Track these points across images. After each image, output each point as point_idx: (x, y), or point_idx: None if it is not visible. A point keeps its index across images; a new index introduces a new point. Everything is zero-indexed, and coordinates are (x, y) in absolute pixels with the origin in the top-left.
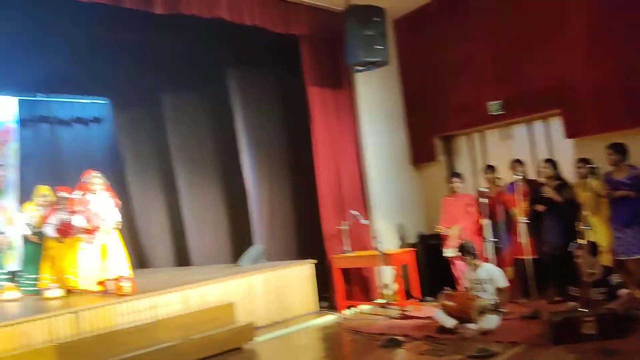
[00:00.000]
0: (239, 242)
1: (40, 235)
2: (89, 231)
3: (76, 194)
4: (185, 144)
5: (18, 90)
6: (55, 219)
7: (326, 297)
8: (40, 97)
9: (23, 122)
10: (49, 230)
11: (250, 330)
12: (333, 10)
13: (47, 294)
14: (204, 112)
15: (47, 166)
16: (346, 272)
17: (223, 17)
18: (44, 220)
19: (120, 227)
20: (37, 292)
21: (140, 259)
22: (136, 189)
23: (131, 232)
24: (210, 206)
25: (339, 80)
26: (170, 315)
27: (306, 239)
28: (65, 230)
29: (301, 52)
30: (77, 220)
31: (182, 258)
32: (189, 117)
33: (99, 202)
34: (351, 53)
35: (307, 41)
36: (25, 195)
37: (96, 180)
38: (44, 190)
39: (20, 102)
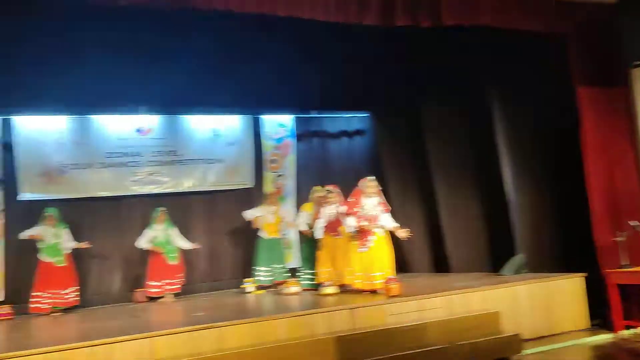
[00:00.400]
0: (499, 251)
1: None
2: (362, 234)
3: (351, 198)
4: (443, 153)
5: (294, 109)
6: (324, 214)
7: (599, 314)
8: (312, 114)
9: (298, 136)
10: (320, 225)
11: (517, 342)
12: (604, 2)
13: (324, 290)
14: (463, 121)
15: (318, 176)
16: (623, 288)
17: (487, 24)
18: (316, 217)
19: (397, 229)
20: (315, 287)
21: (399, 263)
22: (396, 197)
23: (391, 237)
24: (469, 215)
25: (612, 79)
26: (435, 319)
27: (573, 251)
28: (334, 226)
29: (568, 51)
30: (350, 221)
31: (440, 264)
32: (447, 127)
33: (371, 206)
34: (628, 47)
35: (575, 39)
36: (300, 202)
37: (371, 184)
38: (318, 190)
39: (296, 119)
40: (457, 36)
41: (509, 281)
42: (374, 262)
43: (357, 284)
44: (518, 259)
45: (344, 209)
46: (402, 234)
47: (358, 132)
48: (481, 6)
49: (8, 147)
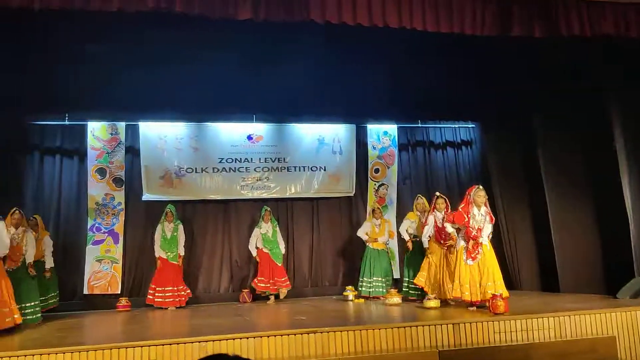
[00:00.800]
0: (615, 272)
1: (418, 242)
2: (472, 244)
3: (461, 206)
4: (556, 166)
5: (399, 118)
6: (431, 222)
7: None
8: (417, 124)
9: (402, 146)
10: (426, 234)
11: None
12: None
13: (427, 302)
14: (577, 133)
15: (420, 186)
16: None
17: (608, 33)
18: (422, 227)
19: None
20: (418, 298)
21: (504, 279)
22: (504, 209)
23: (498, 252)
24: (583, 231)
25: None
26: (544, 340)
27: None
28: (439, 234)
29: None
30: (457, 230)
31: (549, 283)
32: (561, 139)
33: (480, 216)
34: None
35: None
36: (402, 212)
37: (480, 193)
38: (422, 199)
39: (399, 129)
40: (572, 46)
41: (626, 305)
42: (484, 274)
43: (466, 296)
44: (637, 282)
45: (452, 217)
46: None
47: (465, 143)
48: (606, 17)
49: (133, 151)
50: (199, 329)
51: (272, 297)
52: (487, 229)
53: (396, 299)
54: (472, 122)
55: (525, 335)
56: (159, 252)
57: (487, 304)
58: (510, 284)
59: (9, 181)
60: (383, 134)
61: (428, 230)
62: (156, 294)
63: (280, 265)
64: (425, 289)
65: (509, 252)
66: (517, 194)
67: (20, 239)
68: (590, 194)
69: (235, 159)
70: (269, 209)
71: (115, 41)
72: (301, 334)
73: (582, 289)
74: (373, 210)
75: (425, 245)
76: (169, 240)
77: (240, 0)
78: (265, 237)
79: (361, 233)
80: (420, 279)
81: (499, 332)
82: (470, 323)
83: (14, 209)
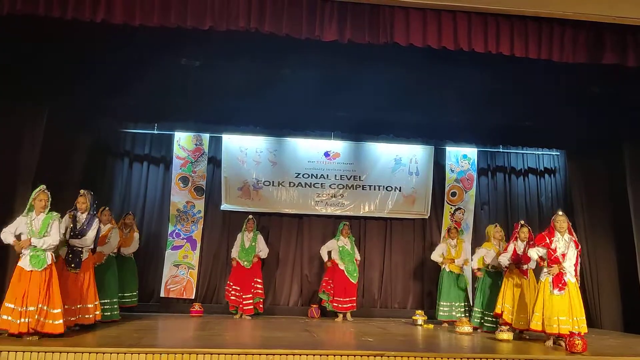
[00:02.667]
0: None
1: (493, 272)
2: (557, 275)
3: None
4: None
5: (479, 142)
6: (510, 250)
7: None
8: (498, 149)
9: (481, 170)
10: (505, 262)
11: None
12: None
13: (500, 334)
14: None
15: (499, 213)
16: None
17: None
18: (497, 254)
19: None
20: (490, 329)
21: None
22: (587, 241)
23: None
24: None
25: None
26: None
27: None
28: (519, 260)
29: None
30: (535, 255)
31: (632, 323)
32: None
33: (562, 242)
34: None
35: None
36: (478, 238)
37: (559, 219)
38: (496, 229)
39: (479, 153)
40: None
41: None
42: (570, 307)
43: (553, 328)
44: None
45: (534, 241)
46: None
47: (548, 171)
48: None
49: (215, 162)
50: (267, 341)
51: (341, 315)
52: (572, 254)
53: (467, 327)
54: (556, 149)
55: None
56: (235, 256)
57: (565, 342)
58: (590, 321)
59: (103, 182)
60: (462, 157)
61: (506, 259)
62: (232, 291)
63: (354, 283)
64: (504, 318)
65: (589, 287)
66: (602, 226)
67: (108, 236)
68: None
69: (312, 175)
70: (347, 223)
71: (204, 58)
72: (367, 355)
73: None
74: (449, 230)
75: (505, 263)
76: (246, 250)
77: (326, 23)
78: (343, 250)
79: (435, 256)
80: (500, 307)
81: None
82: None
83: (103, 207)
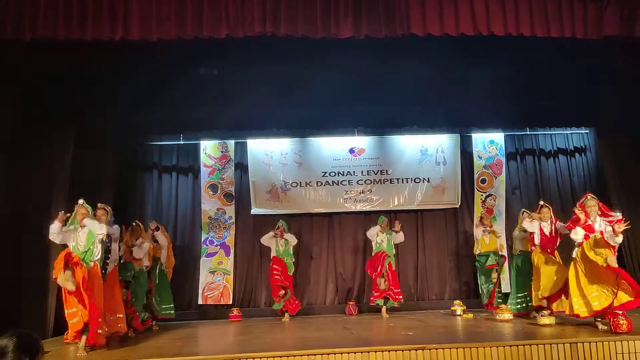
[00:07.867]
0: None
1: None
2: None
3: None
4: None
5: (506, 126)
6: (537, 232)
7: None
8: (526, 132)
9: (510, 155)
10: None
11: None
12: None
13: (541, 319)
14: None
15: (531, 196)
16: None
17: None
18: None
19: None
20: (528, 313)
21: None
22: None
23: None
24: None
25: None
26: None
27: None
28: (546, 244)
29: None
30: (575, 235)
31: None
32: None
33: (596, 224)
34: None
35: None
36: (511, 223)
37: (590, 202)
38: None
39: (507, 137)
40: None
41: None
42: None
43: (595, 306)
44: None
45: (569, 222)
46: None
47: (578, 150)
48: None
49: (241, 167)
50: (308, 341)
51: (384, 308)
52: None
53: (507, 314)
54: (585, 127)
55: None
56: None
57: (609, 323)
58: None
59: (135, 196)
60: (489, 143)
61: (536, 239)
62: (275, 273)
63: (394, 272)
64: (538, 305)
65: (630, 265)
66: (638, 202)
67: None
68: None
69: (338, 172)
70: (386, 218)
71: (223, 66)
72: (409, 350)
73: None
74: (481, 217)
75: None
76: (281, 254)
77: (341, 20)
78: (381, 245)
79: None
80: (536, 298)
81: (622, 353)
82: (590, 343)
83: (134, 222)
